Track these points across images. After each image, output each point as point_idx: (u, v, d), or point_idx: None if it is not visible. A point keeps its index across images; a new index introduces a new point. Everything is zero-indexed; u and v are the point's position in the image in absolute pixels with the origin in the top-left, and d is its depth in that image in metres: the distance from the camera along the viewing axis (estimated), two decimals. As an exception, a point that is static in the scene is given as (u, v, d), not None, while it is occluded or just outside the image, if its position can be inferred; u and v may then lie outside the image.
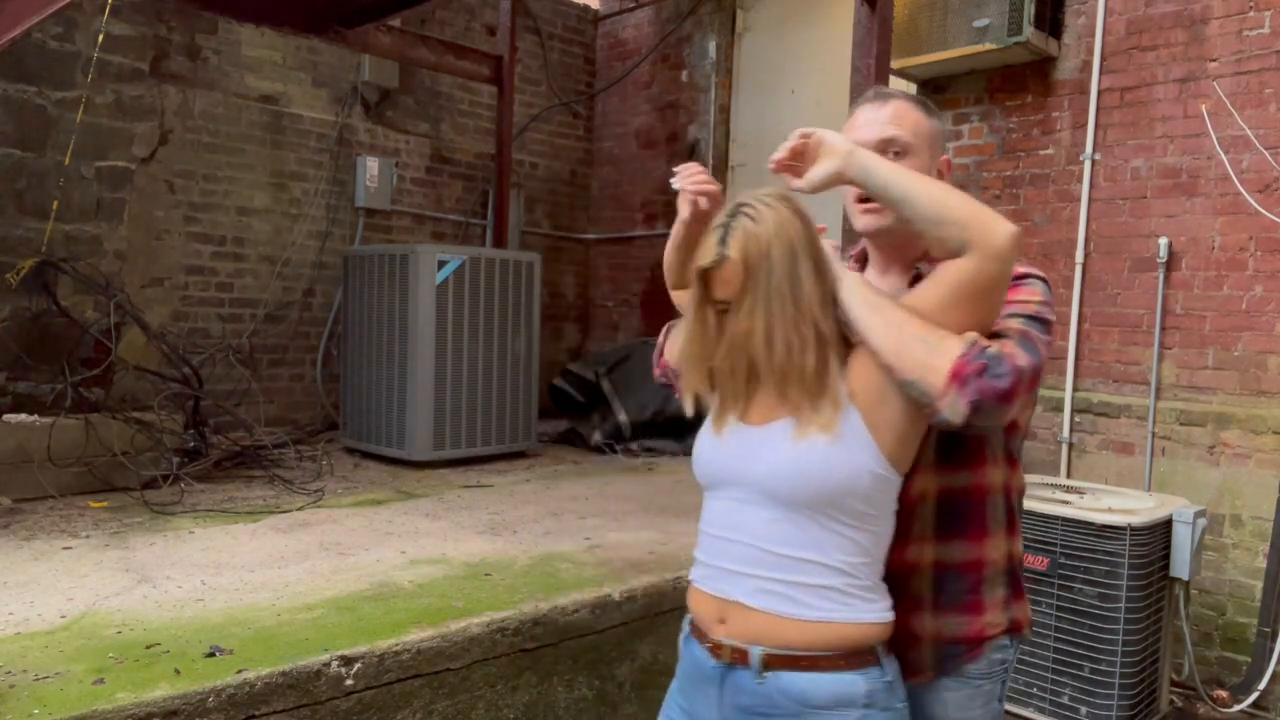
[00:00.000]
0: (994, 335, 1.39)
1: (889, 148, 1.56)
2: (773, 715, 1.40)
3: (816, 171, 1.43)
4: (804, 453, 1.37)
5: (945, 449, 1.49)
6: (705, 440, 1.53)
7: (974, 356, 1.31)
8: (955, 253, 1.35)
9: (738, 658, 1.42)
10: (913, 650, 1.52)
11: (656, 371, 1.80)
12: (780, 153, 1.47)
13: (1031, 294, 1.49)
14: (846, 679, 1.39)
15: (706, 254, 1.41)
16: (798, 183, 1.47)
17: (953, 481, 1.53)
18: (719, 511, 1.49)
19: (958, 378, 1.30)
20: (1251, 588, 3.72)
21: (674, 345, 1.72)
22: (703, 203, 1.61)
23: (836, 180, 1.43)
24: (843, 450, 1.37)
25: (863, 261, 1.73)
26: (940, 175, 1.61)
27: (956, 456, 1.51)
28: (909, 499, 1.48)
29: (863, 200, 1.58)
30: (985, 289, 1.35)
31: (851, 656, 1.40)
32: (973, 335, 1.35)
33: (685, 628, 1.57)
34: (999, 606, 1.57)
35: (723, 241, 1.40)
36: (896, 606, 1.48)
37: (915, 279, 1.61)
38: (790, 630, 1.39)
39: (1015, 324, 1.43)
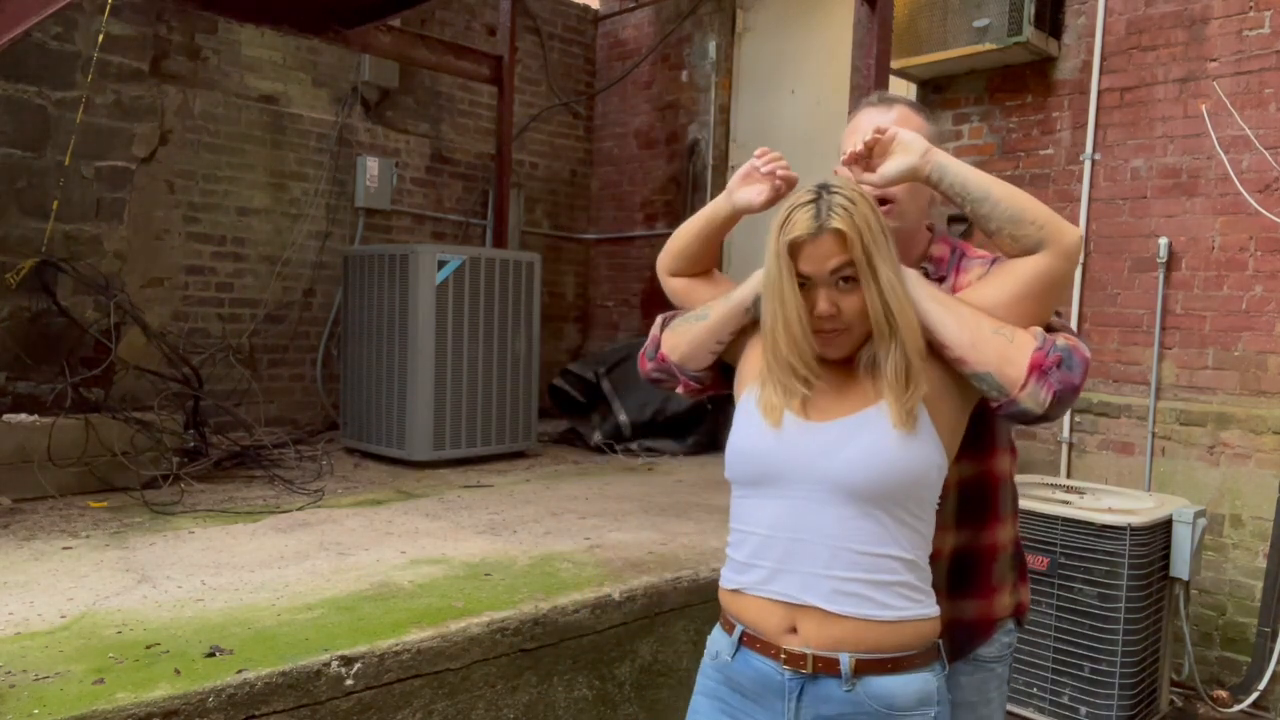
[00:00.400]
0: (1047, 329, 1.45)
1: None
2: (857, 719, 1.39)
3: (890, 166, 1.45)
4: (885, 447, 1.37)
5: (963, 440, 1.52)
6: (760, 436, 1.45)
7: (1050, 350, 1.37)
8: (1029, 250, 1.39)
9: (823, 666, 1.38)
10: None
11: (650, 365, 1.73)
12: (855, 145, 1.48)
13: None
14: (924, 677, 1.41)
15: (800, 226, 1.36)
16: (871, 177, 1.47)
17: (970, 471, 1.58)
18: (781, 511, 1.42)
19: (1038, 369, 1.36)
20: (1251, 588, 3.73)
21: (675, 338, 1.66)
22: (783, 189, 1.57)
23: (910, 176, 1.45)
24: (916, 443, 1.38)
25: None
26: None
27: (973, 447, 1.55)
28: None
29: (881, 202, 1.57)
30: (1054, 285, 1.41)
31: (926, 654, 1.42)
32: (1040, 330, 1.40)
33: (731, 640, 1.48)
34: (1008, 589, 1.65)
35: (818, 216, 1.36)
36: None
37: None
38: (873, 633, 1.38)
39: (1057, 320, 1.49)
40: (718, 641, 1.52)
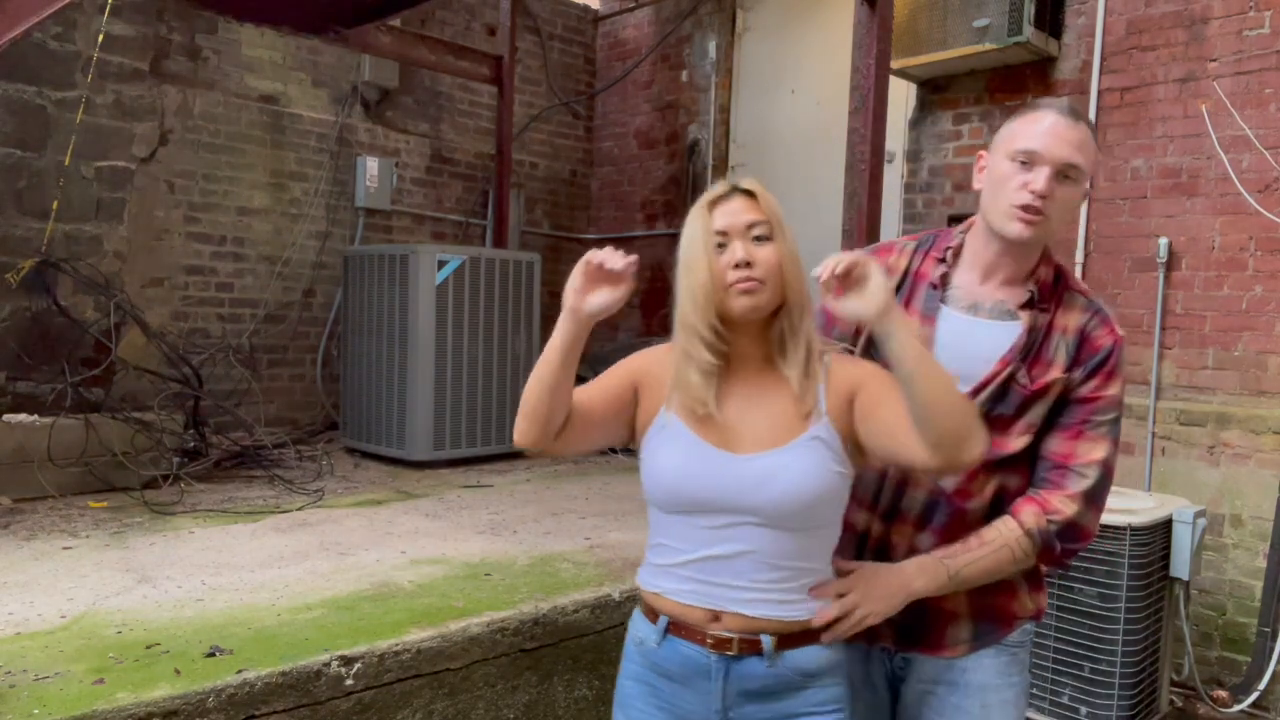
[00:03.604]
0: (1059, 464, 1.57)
1: (1069, 172, 1.54)
2: (779, 692, 1.47)
3: (847, 307, 1.40)
4: (810, 481, 1.44)
5: (1006, 459, 1.58)
6: (684, 470, 1.47)
7: (1043, 533, 1.55)
8: (921, 442, 1.37)
9: (747, 647, 1.46)
10: (951, 626, 1.63)
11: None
12: (828, 270, 1.40)
13: (1120, 382, 1.59)
14: (832, 647, 1.52)
15: (719, 188, 1.52)
16: (828, 301, 1.43)
17: (1005, 481, 1.61)
18: (705, 532, 1.47)
19: (1037, 541, 1.57)
20: (1251, 588, 3.72)
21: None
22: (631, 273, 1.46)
23: (859, 323, 1.53)
24: (832, 466, 1.47)
25: (956, 255, 1.67)
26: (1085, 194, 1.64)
27: (1011, 462, 1.60)
28: (969, 494, 1.59)
29: (1028, 207, 1.53)
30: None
31: (830, 625, 1.52)
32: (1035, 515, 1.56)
33: (656, 629, 1.52)
34: (1027, 594, 1.67)
35: (733, 181, 1.53)
36: None
37: (1028, 303, 1.60)
38: (789, 624, 1.48)
39: (1104, 449, 1.59)
40: (641, 629, 1.57)
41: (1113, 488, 1.64)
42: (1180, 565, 3.32)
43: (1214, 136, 3.89)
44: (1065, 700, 3.25)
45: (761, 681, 1.47)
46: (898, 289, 1.67)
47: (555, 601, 2.54)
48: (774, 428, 1.47)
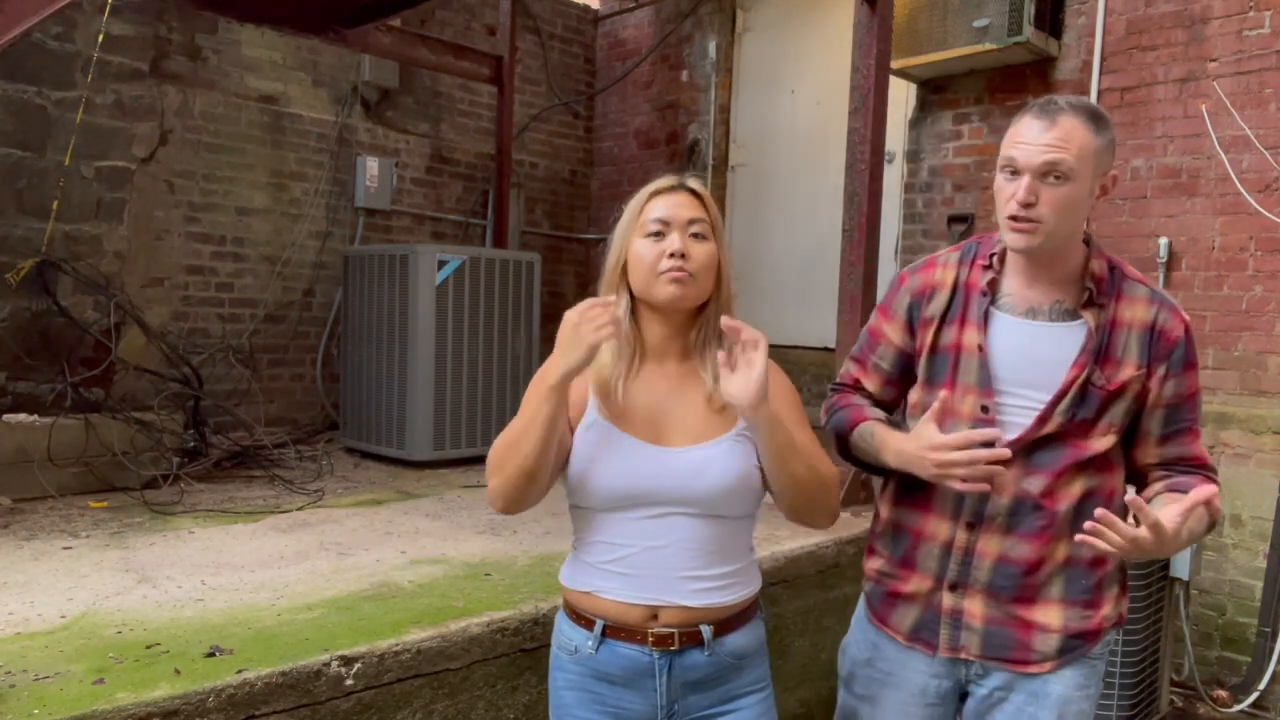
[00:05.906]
0: (1198, 466, 1.58)
1: (1051, 172, 1.49)
2: (718, 676, 1.52)
3: (727, 387, 1.41)
4: (739, 471, 1.51)
5: (1090, 459, 1.57)
6: (621, 462, 1.49)
7: None
8: (782, 500, 1.55)
9: (687, 639, 1.50)
10: (1039, 639, 1.60)
11: None
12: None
13: (1197, 367, 1.61)
14: (757, 623, 1.61)
15: (664, 181, 1.60)
16: (745, 347, 1.43)
17: (1092, 484, 1.59)
18: (641, 526, 1.50)
19: None
20: (1251, 588, 3.73)
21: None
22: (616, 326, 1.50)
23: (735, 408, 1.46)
24: (752, 460, 1.52)
25: (1001, 260, 1.65)
26: (1104, 191, 1.57)
27: (1096, 463, 1.59)
28: (1056, 497, 1.57)
29: (1014, 218, 1.52)
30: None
31: (754, 606, 1.62)
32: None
33: (592, 635, 1.52)
34: (1113, 601, 1.66)
35: (679, 176, 1.60)
36: (1024, 597, 1.59)
37: (1089, 301, 1.58)
38: (725, 610, 1.54)
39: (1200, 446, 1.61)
40: (573, 636, 1.57)
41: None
42: (1180, 565, 3.33)
43: (1214, 136, 3.90)
44: (1065, 700, 3.25)
45: (703, 671, 1.51)
46: (949, 302, 1.67)
47: (555, 601, 2.54)
48: (700, 422, 1.53)
